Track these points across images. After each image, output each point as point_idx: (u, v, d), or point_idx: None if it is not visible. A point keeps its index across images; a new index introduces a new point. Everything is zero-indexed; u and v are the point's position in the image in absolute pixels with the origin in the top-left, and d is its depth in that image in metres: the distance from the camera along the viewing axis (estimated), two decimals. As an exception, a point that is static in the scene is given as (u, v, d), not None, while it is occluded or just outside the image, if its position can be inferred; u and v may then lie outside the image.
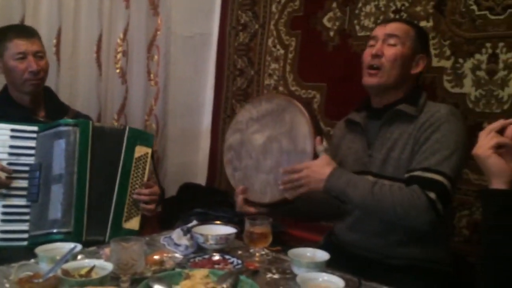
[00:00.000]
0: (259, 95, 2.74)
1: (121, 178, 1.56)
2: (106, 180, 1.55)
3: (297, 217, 1.80)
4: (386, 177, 1.39)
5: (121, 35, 2.53)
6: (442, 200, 1.28)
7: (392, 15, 2.14)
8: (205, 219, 2.14)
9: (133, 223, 1.58)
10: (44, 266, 1.11)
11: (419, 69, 1.49)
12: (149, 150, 1.64)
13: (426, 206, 1.27)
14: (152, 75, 2.71)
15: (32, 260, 1.19)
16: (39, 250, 1.15)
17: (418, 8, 2.05)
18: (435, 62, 1.98)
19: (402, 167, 1.38)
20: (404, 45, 1.45)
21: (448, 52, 1.95)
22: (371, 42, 1.50)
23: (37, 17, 2.25)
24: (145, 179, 1.61)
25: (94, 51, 2.45)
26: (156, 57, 2.71)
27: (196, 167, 3.04)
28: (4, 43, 1.63)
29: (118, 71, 2.54)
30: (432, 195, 1.27)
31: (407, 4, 2.09)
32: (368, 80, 1.48)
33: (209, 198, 2.63)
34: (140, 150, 1.61)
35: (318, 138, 1.40)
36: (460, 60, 1.91)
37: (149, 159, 1.63)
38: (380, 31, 1.49)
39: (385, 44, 1.46)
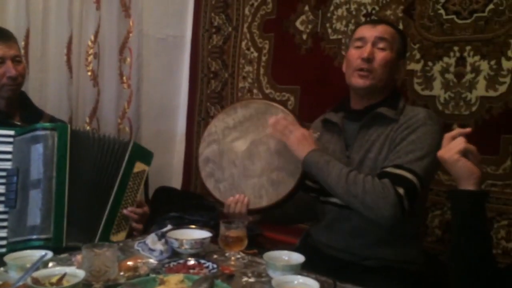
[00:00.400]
0: (233, 99, 2.74)
1: (118, 190, 1.54)
2: (94, 186, 1.52)
3: (282, 222, 1.79)
4: None
5: (92, 37, 2.49)
6: (409, 197, 1.30)
7: (363, 19, 2.17)
8: (181, 223, 2.13)
9: (120, 237, 1.56)
10: (13, 275, 1.08)
11: (401, 74, 1.51)
12: (147, 168, 1.63)
13: (393, 199, 1.28)
14: (124, 78, 2.67)
15: (1, 269, 1.15)
16: (8, 258, 1.12)
17: (388, 12, 2.10)
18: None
19: (378, 167, 1.40)
20: (392, 50, 1.45)
21: (417, 55, 2.00)
22: (358, 43, 1.47)
23: (4, 19, 2.19)
24: (138, 196, 1.60)
25: (65, 54, 2.40)
26: (128, 59, 2.67)
27: (171, 170, 3.01)
28: None
29: (89, 73, 2.49)
30: (401, 190, 1.30)
31: (377, 8, 2.14)
32: (359, 81, 1.45)
33: (184, 202, 2.61)
34: (139, 166, 1.59)
35: (311, 129, 1.42)
36: (429, 63, 1.96)
37: (145, 177, 1.62)
38: (369, 33, 1.46)
39: (375, 47, 1.44)
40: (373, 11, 2.15)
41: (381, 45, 1.44)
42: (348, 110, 1.55)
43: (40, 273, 1.00)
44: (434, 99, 1.95)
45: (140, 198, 1.64)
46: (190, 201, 2.64)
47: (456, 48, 1.90)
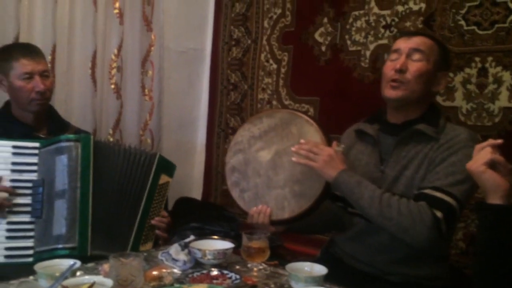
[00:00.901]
0: (253, 111, 2.77)
1: (146, 201, 1.57)
2: (121, 196, 1.55)
3: (307, 232, 1.78)
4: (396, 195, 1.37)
5: (116, 51, 2.55)
6: (447, 221, 1.27)
7: (382, 30, 2.19)
8: (201, 234, 2.15)
9: (147, 246, 1.59)
10: (43, 283, 1.11)
11: (441, 87, 1.46)
12: (170, 180, 1.66)
13: (430, 223, 1.26)
14: (146, 90, 2.73)
15: (31, 277, 1.18)
16: (38, 267, 1.15)
17: (408, 23, 2.10)
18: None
19: (414, 186, 1.37)
20: (429, 61, 1.40)
21: (438, 66, 1.99)
22: (394, 56, 1.45)
23: (31, 34, 2.26)
24: (162, 206, 1.64)
25: (89, 67, 2.47)
26: (150, 72, 2.73)
27: (191, 181, 3.04)
28: (10, 63, 1.63)
29: (112, 86, 2.55)
30: (439, 214, 1.27)
31: (396, 20, 2.14)
32: (390, 92, 1.42)
33: (204, 213, 2.63)
34: (163, 178, 1.62)
35: (335, 141, 1.40)
36: (451, 74, 1.96)
37: (168, 188, 1.65)
38: (404, 45, 1.43)
39: (409, 59, 1.41)
40: (393, 23, 2.16)
41: (415, 56, 1.40)
42: (384, 123, 1.51)
43: (70, 281, 1.02)
44: (456, 110, 1.94)
45: (163, 210, 1.67)
46: (210, 212, 2.66)
47: (477, 59, 1.89)
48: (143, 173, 1.58)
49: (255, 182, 1.52)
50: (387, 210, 1.30)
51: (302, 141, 1.41)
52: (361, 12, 2.27)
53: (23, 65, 1.62)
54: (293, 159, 1.41)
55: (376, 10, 2.22)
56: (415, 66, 1.40)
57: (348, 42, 2.33)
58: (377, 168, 1.46)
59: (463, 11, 1.93)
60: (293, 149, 1.41)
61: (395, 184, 1.40)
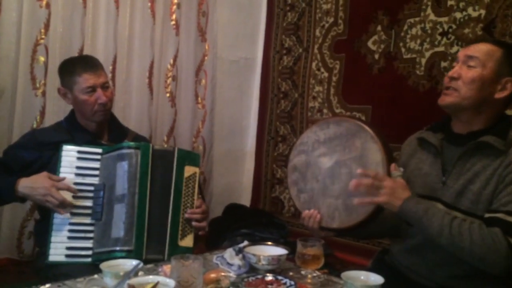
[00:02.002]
0: (303, 119, 2.78)
1: (174, 198, 1.62)
2: (162, 200, 1.61)
3: (359, 238, 1.76)
4: (461, 210, 1.33)
5: (171, 61, 2.65)
6: None
7: (439, 38, 2.14)
8: (251, 240, 2.17)
9: (188, 241, 1.62)
10: (108, 281, 1.17)
11: (506, 93, 1.37)
12: (197, 170, 1.69)
13: (506, 252, 1.20)
14: (199, 99, 2.81)
15: (96, 276, 1.24)
16: (103, 266, 1.21)
17: (466, 30, 2.05)
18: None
19: (481, 202, 1.31)
20: (485, 67, 1.35)
21: (499, 74, 1.93)
22: (454, 64, 1.43)
23: (95, 46, 2.40)
24: (195, 197, 1.67)
25: (146, 77, 2.58)
26: (203, 81, 2.82)
27: (241, 188, 3.09)
28: (73, 78, 1.71)
29: (168, 95, 2.65)
30: None
31: (454, 26, 2.09)
32: (443, 99, 1.39)
33: (254, 219, 2.66)
34: (189, 170, 1.65)
35: (393, 164, 1.35)
36: (512, 82, 1.88)
37: (197, 178, 1.68)
38: (461, 53, 1.41)
39: (464, 65, 1.38)
40: (450, 30, 2.11)
41: (470, 63, 1.37)
42: (449, 132, 1.45)
43: (135, 280, 1.07)
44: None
45: (198, 200, 1.68)
46: (259, 219, 2.68)
47: (542, 66, 1.81)
48: (167, 170, 1.61)
49: (312, 186, 1.52)
50: (458, 239, 1.24)
51: (359, 170, 1.36)
52: (417, 19, 2.24)
53: (85, 80, 1.70)
54: (355, 202, 1.36)
55: (432, 17, 2.18)
56: (468, 73, 1.36)
57: (403, 49, 2.30)
58: (438, 178, 1.41)
59: (526, 17, 1.86)
60: (351, 187, 1.36)
61: (459, 199, 1.34)
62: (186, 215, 1.63)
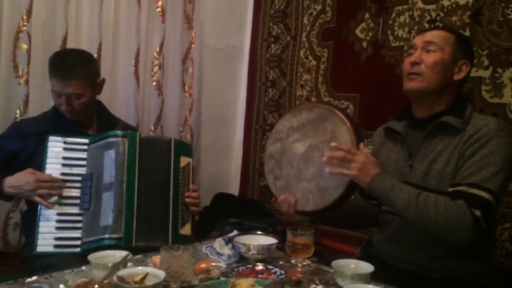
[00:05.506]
0: (291, 108, 2.77)
1: (173, 187, 1.62)
2: (155, 187, 1.60)
3: (334, 225, 1.79)
4: (428, 189, 1.37)
5: (158, 49, 2.61)
6: (486, 218, 1.27)
7: (427, 25, 2.14)
8: (240, 229, 2.18)
9: (186, 229, 1.64)
10: (96, 273, 1.15)
11: (463, 75, 1.46)
12: (190, 160, 1.71)
13: (470, 223, 1.26)
14: (186, 87, 2.78)
15: (84, 267, 1.23)
16: (91, 257, 1.19)
17: (454, 18, 2.05)
18: (472, 72, 1.95)
19: (446, 179, 1.37)
20: (444, 51, 1.43)
21: (486, 62, 1.94)
22: (411, 51, 1.49)
23: (79, 33, 2.34)
24: (190, 187, 1.69)
25: (132, 65, 2.53)
26: (190, 69, 2.78)
27: (229, 177, 3.08)
28: (49, 74, 1.71)
29: (154, 83, 2.61)
30: (478, 212, 1.26)
31: (442, 14, 2.09)
32: (408, 84, 1.46)
33: (242, 208, 2.66)
34: (184, 160, 1.67)
35: (361, 143, 1.39)
36: (499, 70, 1.90)
37: (191, 168, 1.70)
38: (418, 40, 1.48)
39: (423, 51, 1.45)
40: (438, 17, 2.11)
41: (430, 47, 1.44)
42: (412, 119, 1.53)
43: (124, 272, 1.06)
44: (504, 107, 1.88)
45: (193, 185, 1.73)
46: (248, 208, 2.68)
47: (528, 54, 1.83)
48: (165, 160, 1.63)
49: (288, 172, 1.55)
50: (424, 212, 1.30)
51: (333, 143, 1.40)
52: (405, 7, 2.23)
53: (53, 84, 1.69)
54: (327, 170, 1.41)
55: (420, 4, 2.17)
56: (429, 57, 1.43)
57: (391, 37, 2.30)
58: (406, 163, 1.48)
59: (513, 5, 1.87)
60: (324, 159, 1.41)
61: (425, 179, 1.40)
62: (187, 200, 1.65)
